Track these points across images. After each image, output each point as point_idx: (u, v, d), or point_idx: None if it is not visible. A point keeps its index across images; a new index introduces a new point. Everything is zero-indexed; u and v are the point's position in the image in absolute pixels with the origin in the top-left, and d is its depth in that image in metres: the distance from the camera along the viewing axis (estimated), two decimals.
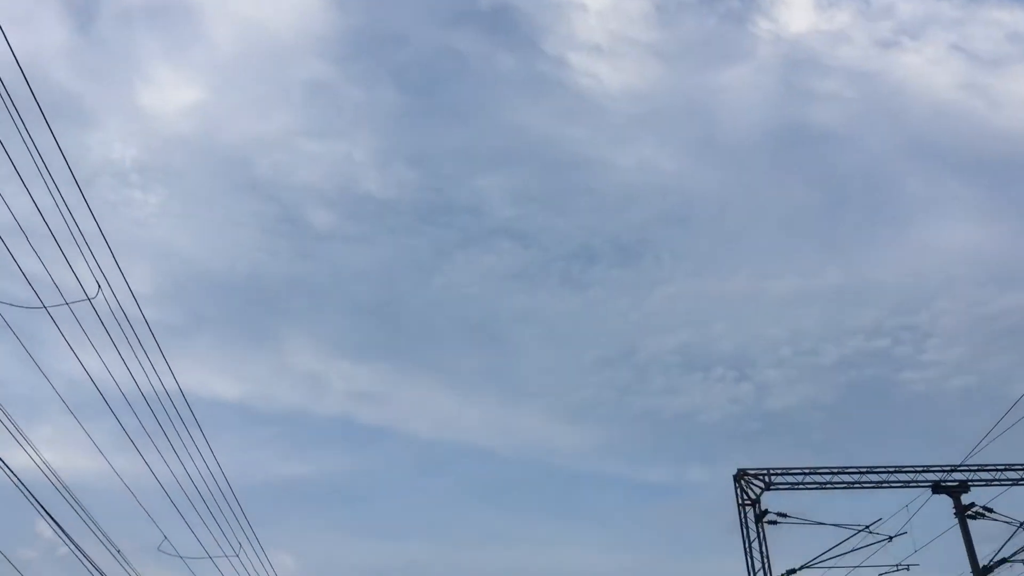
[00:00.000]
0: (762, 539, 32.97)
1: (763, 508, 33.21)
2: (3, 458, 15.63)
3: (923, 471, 33.48)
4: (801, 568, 32.21)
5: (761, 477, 33.50)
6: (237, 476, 24.32)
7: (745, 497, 33.54)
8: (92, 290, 14.38)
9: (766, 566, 32.62)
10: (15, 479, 16.14)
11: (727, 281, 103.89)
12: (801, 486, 33.49)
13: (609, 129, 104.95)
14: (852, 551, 32.34)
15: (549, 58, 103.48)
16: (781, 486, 33.50)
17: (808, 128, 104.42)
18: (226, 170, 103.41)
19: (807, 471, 33.51)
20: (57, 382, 17.08)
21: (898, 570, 32.28)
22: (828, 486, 33.54)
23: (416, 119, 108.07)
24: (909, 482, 33.53)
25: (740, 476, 33.65)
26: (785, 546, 33.85)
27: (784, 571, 32.25)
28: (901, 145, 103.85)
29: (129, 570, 20.56)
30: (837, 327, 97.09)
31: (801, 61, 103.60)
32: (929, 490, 33.23)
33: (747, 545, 33.08)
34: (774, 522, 33.17)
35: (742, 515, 33.48)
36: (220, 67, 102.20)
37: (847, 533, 32.66)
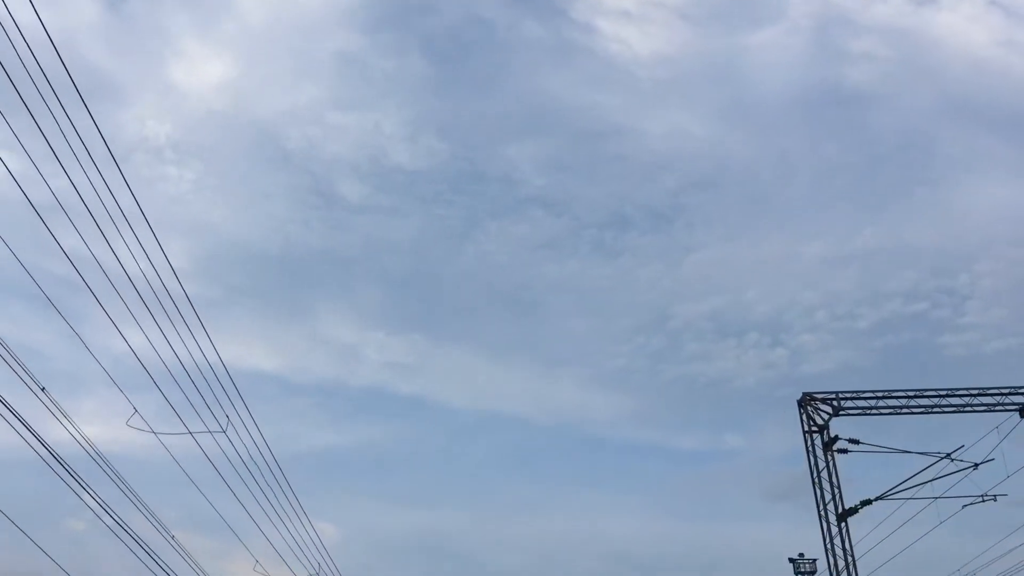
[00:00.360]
0: (831, 468, 30.03)
1: (832, 435, 30.25)
2: (49, 432, 15.86)
3: (1010, 393, 30.30)
4: (877, 499, 29.23)
5: (829, 401, 30.54)
6: (274, 447, 23.96)
7: (812, 424, 30.59)
8: None
9: (836, 497, 29.70)
10: (53, 454, 16.09)
11: (760, 246, 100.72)
12: (873, 411, 30.49)
13: (639, 95, 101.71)
14: (932, 480, 29.30)
15: (577, 24, 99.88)
16: (851, 411, 30.53)
17: (841, 89, 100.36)
18: (258, 144, 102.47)
19: (880, 394, 30.49)
20: (99, 357, 17.00)
21: (984, 500, 29.19)
22: (904, 411, 30.49)
23: (445, 89, 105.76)
24: (994, 405, 30.37)
25: (806, 401, 30.71)
26: (854, 476, 30.93)
27: (858, 502, 29.30)
28: (938, 104, 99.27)
29: (169, 539, 20.41)
30: (873, 291, 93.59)
31: (834, 20, 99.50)
32: (1016, 414, 30.04)
33: (815, 475, 30.17)
34: (844, 450, 30.24)
35: (808, 443, 30.56)
36: (250, 41, 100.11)
37: (925, 461, 29.62)
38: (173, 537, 20.27)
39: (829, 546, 29.32)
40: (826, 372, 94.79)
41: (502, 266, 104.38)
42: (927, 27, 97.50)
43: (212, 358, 19.05)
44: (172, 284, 17.13)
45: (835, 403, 30.44)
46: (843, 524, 29.42)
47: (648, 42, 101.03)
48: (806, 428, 30.57)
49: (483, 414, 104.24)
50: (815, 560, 60.22)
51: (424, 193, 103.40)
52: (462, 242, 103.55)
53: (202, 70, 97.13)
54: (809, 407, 30.66)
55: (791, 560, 60.70)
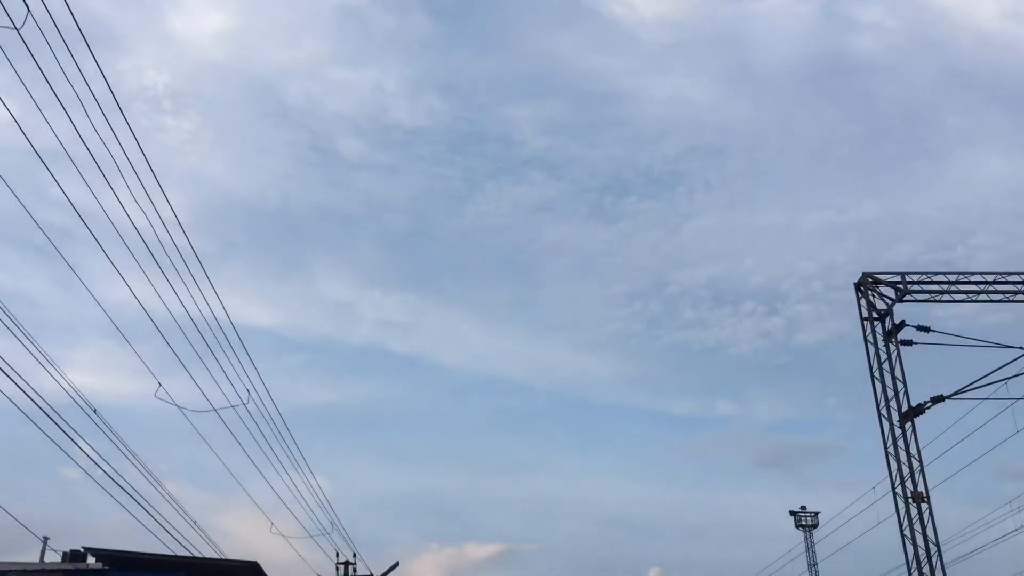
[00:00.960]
0: (894, 361, 25.37)
1: (897, 321, 25.57)
2: (41, 381, 15.12)
3: None
4: (950, 397, 24.61)
5: (894, 284, 25.82)
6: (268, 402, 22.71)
7: (872, 310, 25.87)
8: None
9: (900, 393, 25.03)
10: (36, 402, 14.91)
11: (760, 214, 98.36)
12: (946, 296, 25.83)
13: (642, 59, 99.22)
14: (1014, 378, 24.73)
15: None
16: (918, 296, 25.84)
17: (847, 58, 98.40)
18: (257, 98, 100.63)
19: (954, 278, 25.81)
20: (95, 308, 16.51)
21: None
22: (981, 296, 25.88)
23: (447, 47, 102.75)
24: None
25: (865, 283, 25.98)
26: (913, 376, 26.28)
27: (928, 399, 24.67)
28: (942, 76, 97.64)
29: (156, 484, 19.66)
30: (871, 262, 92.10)
31: None
32: None
33: (875, 369, 25.49)
34: (909, 342, 25.57)
35: (866, 331, 25.85)
36: None
37: (1004, 357, 25.03)
38: (160, 485, 19.49)
39: (892, 451, 24.66)
40: (821, 342, 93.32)
41: (500, 227, 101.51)
42: None
43: (207, 312, 18.17)
44: (166, 236, 16.30)
45: (900, 286, 25.76)
46: (907, 425, 24.79)
47: (653, 5, 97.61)
48: (864, 315, 25.86)
49: (478, 375, 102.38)
50: (817, 513, 56.18)
51: (423, 152, 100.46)
52: (460, 202, 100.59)
53: (201, 20, 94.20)
54: (869, 290, 25.95)
55: (792, 513, 56.65)
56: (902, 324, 25.28)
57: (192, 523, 21.50)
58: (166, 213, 15.37)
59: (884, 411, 24.98)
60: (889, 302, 25.79)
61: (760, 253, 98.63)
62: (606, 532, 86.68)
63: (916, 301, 25.85)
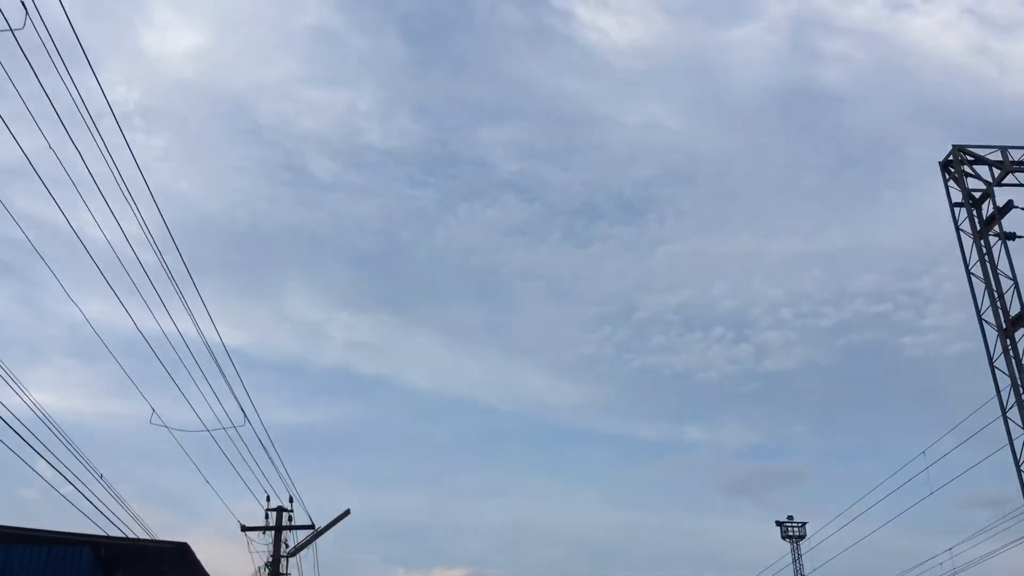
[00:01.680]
0: (999, 255, 19.75)
1: (999, 206, 20.01)
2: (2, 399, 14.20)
3: None
4: None
5: (993, 161, 20.30)
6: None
7: (967, 195, 20.29)
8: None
9: (1006, 299, 19.35)
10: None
11: (730, 241, 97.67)
12: None
13: (615, 85, 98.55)
14: None
15: (556, 11, 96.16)
16: (1022, 178, 20.36)
17: (815, 89, 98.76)
18: (229, 116, 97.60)
19: None
20: (56, 327, 14.54)
21: None
22: None
23: (421, 69, 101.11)
24: None
25: (957, 159, 20.40)
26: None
27: None
28: (909, 108, 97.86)
29: (114, 495, 18.32)
30: (838, 290, 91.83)
31: (811, 21, 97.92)
32: None
33: (969, 267, 19.82)
34: (1012, 235, 20.06)
35: (958, 220, 20.24)
36: (223, 10, 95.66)
37: None
38: (102, 476, 17.72)
39: (1009, 370, 18.88)
40: (788, 369, 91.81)
41: (471, 250, 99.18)
42: (902, 31, 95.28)
43: (186, 330, 17.04)
44: (128, 253, 15.14)
45: (1002, 163, 20.25)
46: (1014, 336, 19.09)
47: (626, 32, 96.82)
48: (960, 199, 20.25)
49: (447, 398, 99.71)
50: (805, 523, 50.57)
51: (396, 173, 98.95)
52: (432, 224, 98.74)
53: (174, 38, 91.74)
54: (959, 170, 20.38)
55: (778, 523, 50.94)
56: (1008, 206, 19.72)
57: (110, 490, 18.66)
58: (151, 230, 14.43)
59: (994, 318, 19.27)
60: (987, 183, 20.27)
61: (730, 279, 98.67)
62: (574, 556, 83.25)
63: (1019, 184, 20.38)
